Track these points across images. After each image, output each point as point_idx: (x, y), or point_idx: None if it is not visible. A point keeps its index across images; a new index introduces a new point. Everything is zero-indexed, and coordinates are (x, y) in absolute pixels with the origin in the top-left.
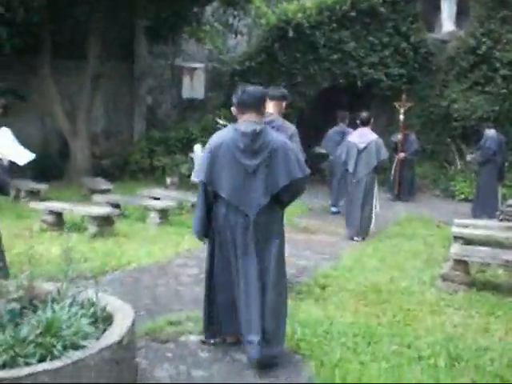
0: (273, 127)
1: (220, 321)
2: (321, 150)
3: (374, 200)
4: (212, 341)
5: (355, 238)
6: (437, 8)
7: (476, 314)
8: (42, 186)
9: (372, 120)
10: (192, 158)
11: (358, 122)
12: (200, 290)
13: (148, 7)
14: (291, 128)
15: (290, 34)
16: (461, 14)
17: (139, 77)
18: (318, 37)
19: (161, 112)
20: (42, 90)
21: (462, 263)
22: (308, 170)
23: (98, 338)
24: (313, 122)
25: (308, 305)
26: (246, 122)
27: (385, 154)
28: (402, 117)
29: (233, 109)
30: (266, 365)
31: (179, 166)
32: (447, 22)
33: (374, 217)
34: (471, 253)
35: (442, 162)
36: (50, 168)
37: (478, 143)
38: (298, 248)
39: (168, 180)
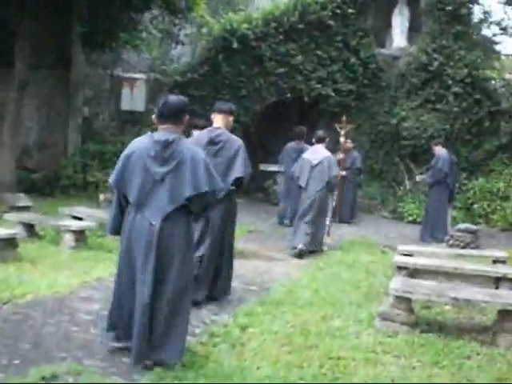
0: (219, 141)
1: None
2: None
3: (328, 218)
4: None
5: (299, 246)
6: (388, 23)
7: (418, 364)
8: None
9: (327, 138)
10: None
11: (313, 139)
12: (97, 333)
13: (83, 11)
14: (238, 142)
15: (235, 45)
16: (413, 31)
17: (75, 86)
18: (264, 49)
19: (98, 124)
20: None
21: (403, 300)
22: (219, 184)
23: None
24: (258, 137)
25: (221, 352)
26: (162, 132)
27: (336, 170)
28: (342, 139)
29: (153, 118)
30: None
31: None
32: (398, 38)
33: (326, 232)
34: (414, 288)
35: (390, 182)
36: None
37: (428, 163)
38: None
39: (101, 197)
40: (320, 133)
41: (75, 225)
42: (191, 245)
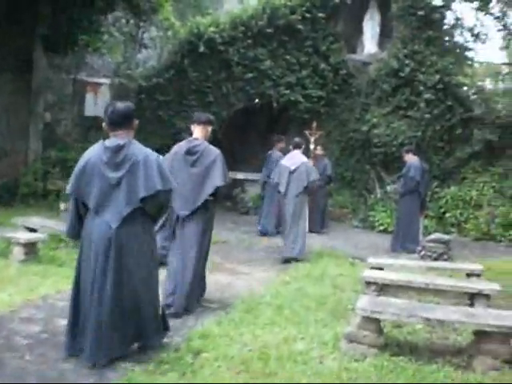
0: (197, 151)
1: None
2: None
3: (306, 222)
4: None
5: (293, 256)
6: (359, 29)
7: None
8: None
9: (303, 145)
10: None
11: (290, 146)
12: (33, 359)
13: (44, 12)
14: (215, 151)
15: (201, 49)
16: (384, 36)
17: (36, 91)
18: (232, 53)
19: (60, 130)
20: None
21: (371, 320)
22: (172, 184)
23: None
24: (226, 145)
25: (170, 379)
26: (113, 138)
27: (315, 175)
28: (312, 146)
29: (104, 125)
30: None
31: None
32: (369, 44)
33: (305, 232)
34: (383, 308)
35: (361, 191)
36: None
37: (399, 171)
38: None
39: (62, 206)
40: (297, 139)
41: (24, 237)
42: (153, 246)
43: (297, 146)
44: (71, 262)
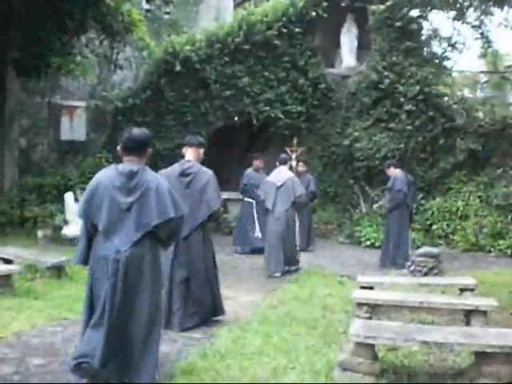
0: (190, 173)
1: None
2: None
3: (297, 236)
4: None
5: (276, 274)
6: (336, 42)
7: None
8: None
9: (290, 161)
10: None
11: (277, 162)
12: None
13: (14, 35)
14: (208, 173)
15: (178, 68)
16: (362, 49)
17: (10, 116)
18: (209, 72)
19: (36, 156)
20: None
21: (365, 346)
22: (183, 211)
23: None
24: (207, 164)
25: None
26: (126, 163)
27: (301, 190)
28: (294, 163)
29: (118, 149)
30: None
31: (54, 216)
32: (347, 57)
33: (298, 247)
34: (377, 332)
35: (345, 206)
36: None
37: (383, 184)
38: None
39: (39, 233)
40: (282, 156)
41: None
42: (159, 271)
43: (283, 162)
44: (47, 294)
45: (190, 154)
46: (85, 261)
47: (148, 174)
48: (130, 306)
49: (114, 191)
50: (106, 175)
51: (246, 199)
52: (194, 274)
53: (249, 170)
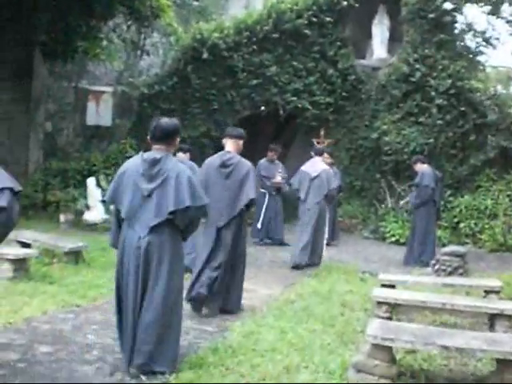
0: (230, 164)
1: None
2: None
3: (326, 230)
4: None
5: (300, 265)
6: (368, 33)
7: None
8: None
9: (325, 152)
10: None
11: (312, 152)
12: None
13: (42, 19)
14: (248, 164)
15: (205, 55)
16: (393, 40)
17: (37, 100)
18: (237, 60)
19: (61, 140)
20: None
21: (382, 348)
22: (204, 201)
23: None
24: None
25: None
26: (153, 151)
27: (335, 183)
28: None
29: (148, 138)
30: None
31: (76, 201)
32: (379, 48)
33: (325, 243)
34: (396, 334)
35: (371, 200)
36: None
37: (411, 179)
38: None
39: (62, 217)
40: (318, 146)
41: (13, 253)
42: (180, 258)
43: (318, 153)
44: (62, 280)
45: (230, 145)
46: (115, 244)
47: (171, 161)
48: (148, 294)
49: (138, 178)
50: (133, 163)
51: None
52: (225, 261)
53: (262, 161)
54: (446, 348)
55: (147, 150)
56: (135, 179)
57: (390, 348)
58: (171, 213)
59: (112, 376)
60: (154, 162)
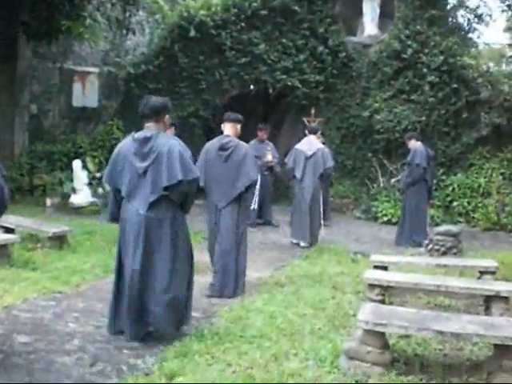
0: (229, 147)
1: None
2: None
3: (321, 209)
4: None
5: (301, 244)
6: (358, 10)
7: None
8: None
9: (320, 130)
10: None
11: (306, 131)
12: None
13: None
14: (245, 147)
15: (192, 33)
16: (385, 17)
17: (21, 81)
18: (224, 37)
19: (47, 122)
20: None
21: (375, 334)
22: (195, 174)
23: None
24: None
25: None
26: (143, 130)
27: (331, 162)
28: None
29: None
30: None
31: (63, 184)
32: (369, 25)
33: (322, 223)
34: (388, 319)
35: (363, 180)
36: None
37: (403, 158)
38: None
39: (48, 201)
40: (313, 124)
41: None
42: (181, 235)
43: (313, 131)
44: (45, 266)
45: (228, 129)
46: (116, 219)
47: (161, 138)
48: (149, 269)
49: (131, 157)
50: (125, 143)
51: None
52: (221, 243)
53: (253, 142)
54: (441, 333)
55: (139, 130)
56: (129, 158)
57: (382, 334)
58: (166, 188)
59: (92, 367)
60: (145, 141)
